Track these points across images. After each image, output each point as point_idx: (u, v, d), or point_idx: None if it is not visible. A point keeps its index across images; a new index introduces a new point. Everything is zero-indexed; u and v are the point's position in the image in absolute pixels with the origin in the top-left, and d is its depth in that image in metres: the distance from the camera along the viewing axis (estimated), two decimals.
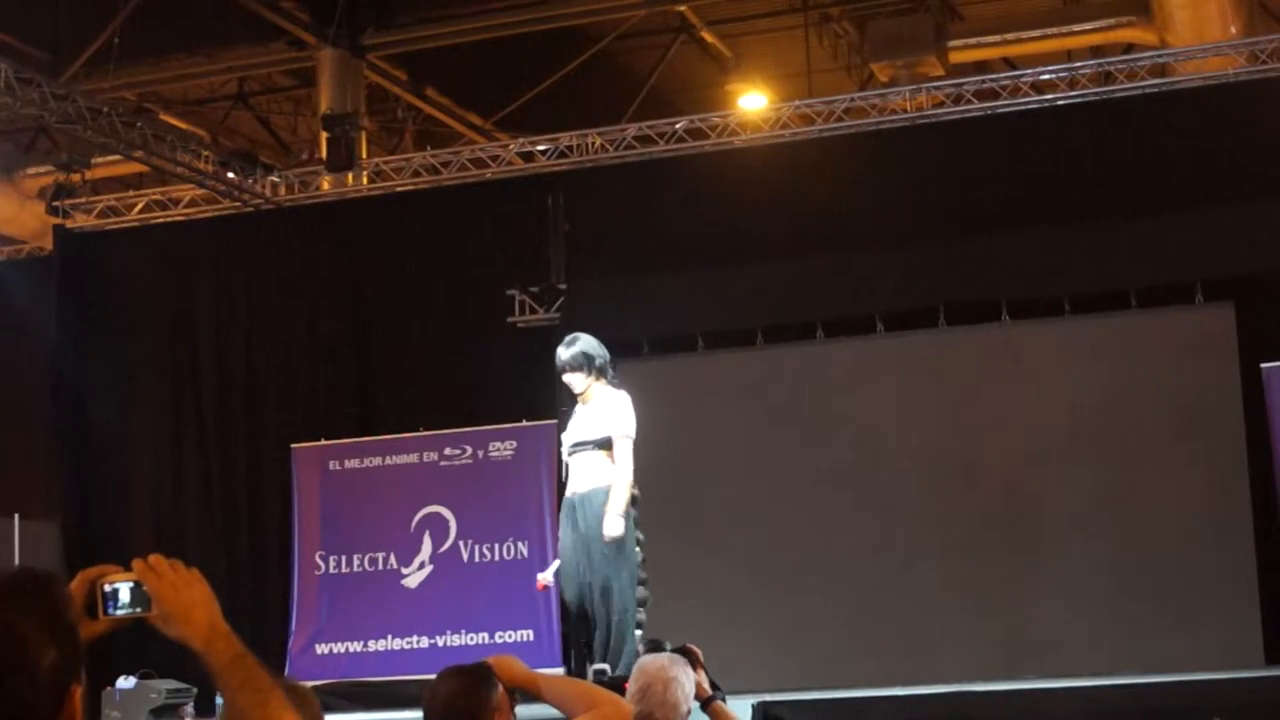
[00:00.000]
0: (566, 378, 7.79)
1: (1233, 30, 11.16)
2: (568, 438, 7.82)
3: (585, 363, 7.72)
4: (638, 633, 7.76)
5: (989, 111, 10.36)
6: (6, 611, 1.78)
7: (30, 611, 1.80)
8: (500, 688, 3.40)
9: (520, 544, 10.19)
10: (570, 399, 8.05)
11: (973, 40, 12.67)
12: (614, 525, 7.48)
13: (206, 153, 11.69)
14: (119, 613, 2.05)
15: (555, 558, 8.01)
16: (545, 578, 7.98)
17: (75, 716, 1.81)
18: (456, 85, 14.14)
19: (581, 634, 7.74)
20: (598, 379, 7.77)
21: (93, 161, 12.17)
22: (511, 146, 11.52)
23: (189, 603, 2.07)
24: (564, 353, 7.77)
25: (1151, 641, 9.21)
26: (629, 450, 7.64)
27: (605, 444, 7.64)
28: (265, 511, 11.04)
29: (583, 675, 10.00)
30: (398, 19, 12.68)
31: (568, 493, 7.78)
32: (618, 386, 7.82)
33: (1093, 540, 9.55)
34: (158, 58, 12.98)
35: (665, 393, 10.42)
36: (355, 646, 10.35)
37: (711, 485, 10.22)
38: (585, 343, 7.83)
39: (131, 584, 2.06)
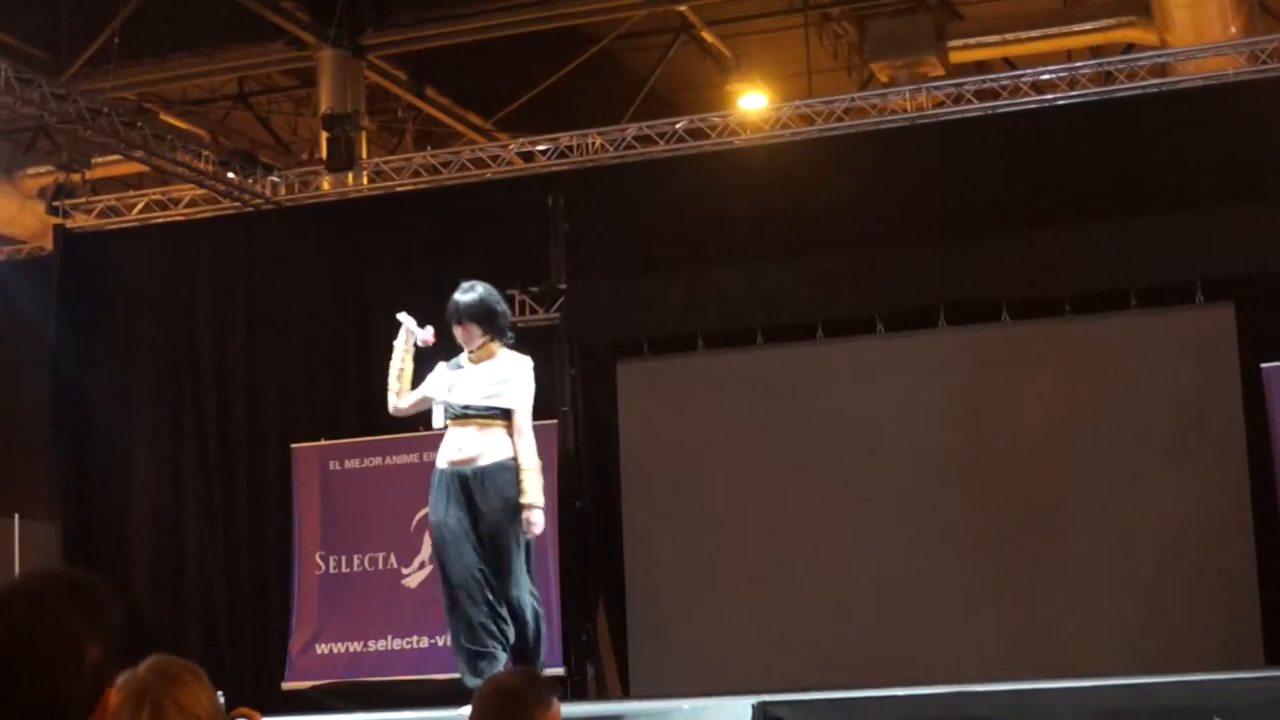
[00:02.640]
0: (458, 330, 6.94)
1: (1233, 30, 11.16)
2: (452, 396, 6.94)
3: (483, 314, 6.91)
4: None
5: (989, 111, 10.36)
6: (59, 604, 1.92)
7: (80, 608, 1.93)
8: (555, 707, 3.36)
9: None
10: (446, 352, 7.18)
11: (973, 40, 12.67)
12: (541, 521, 6.89)
13: (206, 153, 11.69)
14: None
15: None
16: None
17: (105, 717, 1.92)
18: (456, 85, 14.15)
19: (458, 626, 6.91)
20: (494, 338, 6.97)
21: (93, 161, 12.17)
22: (511, 146, 11.52)
23: None
24: (460, 299, 6.93)
25: (1151, 641, 9.21)
26: (530, 427, 6.95)
27: (505, 415, 6.89)
28: (265, 512, 11.04)
29: (582, 674, 10.03)
30: (398, 19, 12.68)
31: (448, 463, 6.92)
32: (513, 347, 7.07)
33: (1092, 540, 9.55)
34: (158, 58, 12.98)
35: (665, 393, 10.44)
36: (355, 646, 10.35)
37: (711, 485, 10.22)
38: (485, 291, 6.98)
39: None
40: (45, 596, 1.92)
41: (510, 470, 6.87)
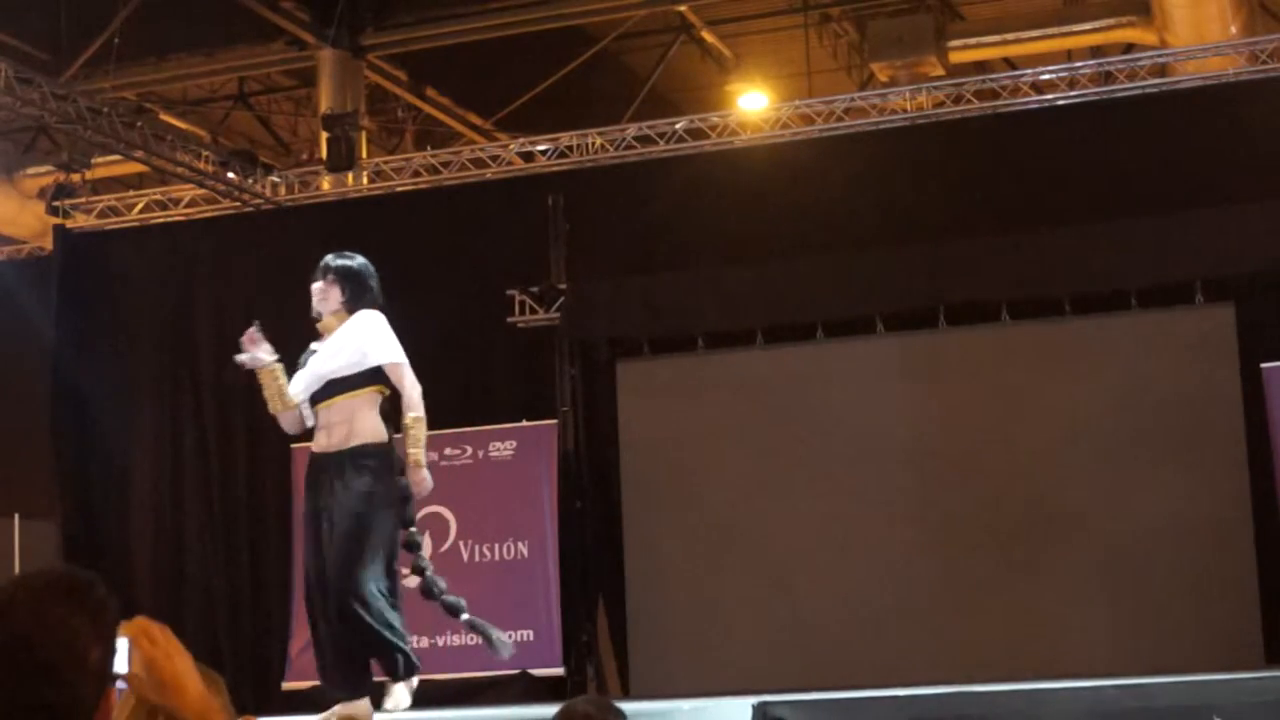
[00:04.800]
0: (318, 288, 6.36)
1: (1233, 30, 11.16)
2: (308, 382, 6.36)
3: (348, 280, 6.33)
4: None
5: (989, 111, 10.36)
6: (60, 607, 1.89)
7: (80, 609, 1.91)
8: None
9: (520, 544, 10.19)
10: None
11: (973, 40, 12.67)
12: (426, 478, 6.28)
13: (206, 153, 11.69)
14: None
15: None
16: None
17: (108, 717, 1.90)
18: (456, 85, 14.15)
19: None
20: (351, 310, 6.35)
21: (93, 161, 12.17)
22: (511, 146, 11.52)
23: (182, 672, 2.08)
24: (333, 260, 6.39)
25: (1151, 641, 9.21)
26: (411, 375, 6.34)
27: (376, 377, 6.33)
28: (265, 512, 11.04)
29: (582, 674, 10.03)
30: (398, 19, 12.68)
31: (317, 448, 6.37)
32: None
33: (1093, 540, 9.55)
34: (158, 58, 12.99)
35: (665, 393, 10.44)
36: None
37: (711, 485, 10.22)
38: (361, 262, 6.39)
39: (122, 641, 2.05)
40: (47, 600, 1.90)
41: (380, 451, 6.33)
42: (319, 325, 6.50)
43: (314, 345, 6.55)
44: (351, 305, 6.40)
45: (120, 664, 2.01)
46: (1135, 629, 9.32)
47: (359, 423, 6.32)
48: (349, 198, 11.68)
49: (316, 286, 6.38)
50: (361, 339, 6.36)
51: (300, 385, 6.42)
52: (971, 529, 9.74)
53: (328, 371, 6.35)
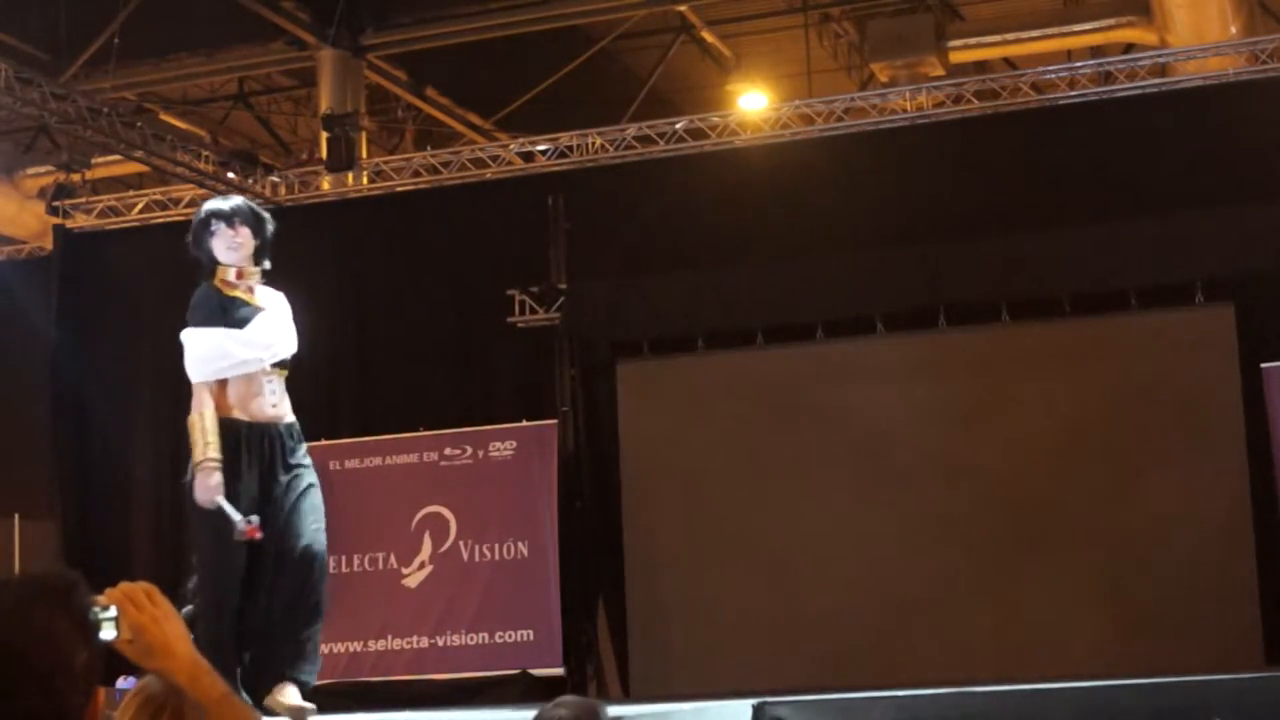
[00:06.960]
0: (233, 232, 5.91)
1: (1233, 30, 11.16)
2: (273, 341, 5.98)
3: (260, 233, 5.93)
4: None
5: (989, 111, 10.36)
6: (44, 612, 1.85)
7: (64, 613, 1.86)
8: None
9: (520, 544, 10.20)
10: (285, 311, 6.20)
11: (973, 40, 12.67)
12: None
13: (206, 153, 11.69)
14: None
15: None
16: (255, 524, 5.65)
17: (96, 718, 1.87)
18: (456, 85, 14.15)
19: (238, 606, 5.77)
20: (262, 257, 5.97)
21: (93, 161, 12.17)
22: (511, 146, 11.52)
23: (171, 635, 2.07)
24: (242, 202, 6.00)
25: (1152, 642, 9.21)
26: None
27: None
28: None
29: (582, 674, 10.03)
30: (398, 19, 12.68)
31: (265, 418, 5.92)
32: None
33: (1092, 540, 9.55)
34: (158, 58, 12.99)
35: (665, 393, 10.44)
36: (355, 646, 10.35)
37: (711, 485, 10.21)
38: (267, 213, 5.92)
39: (110, 610, 2.03)
40: (31, 608, 1.86)
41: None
42: (241, 275, 6.11)
43: (225, 285, 6.09)
44: (258, 257, 6.08)
45: (108, 633, 2.00)
46: (1135, 629, 9.32)
47: (286, 401, 6.10)
48: (349, 198, 11.68)
49: (230, 231, 5.95)
50: (290, 325, 6.15)
51: (255, 352, 6.01)
52: (971, 529, 9.73)
53: (285, 354, 6.11)
